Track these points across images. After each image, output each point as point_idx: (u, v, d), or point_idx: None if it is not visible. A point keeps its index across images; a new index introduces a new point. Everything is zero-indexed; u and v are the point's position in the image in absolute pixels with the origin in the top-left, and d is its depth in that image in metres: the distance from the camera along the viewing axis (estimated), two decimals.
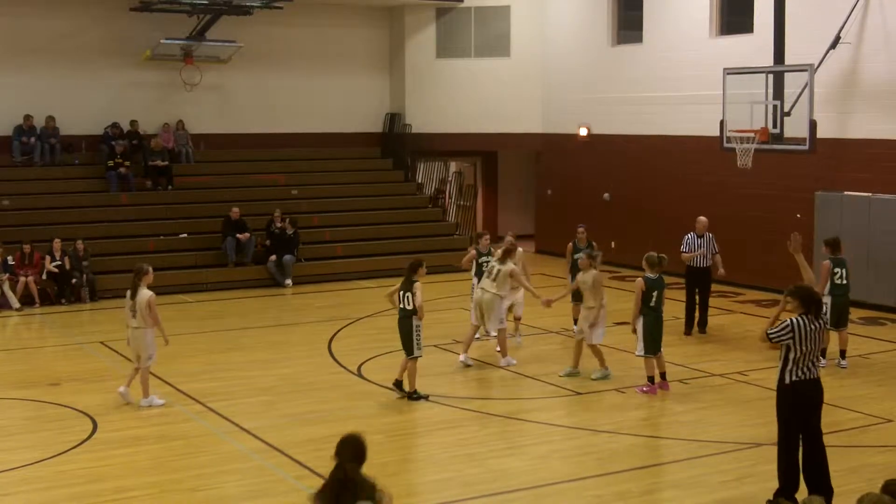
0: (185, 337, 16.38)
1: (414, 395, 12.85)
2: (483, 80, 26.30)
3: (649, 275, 13.04)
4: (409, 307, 12.75)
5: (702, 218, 16.57)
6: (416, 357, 12.85)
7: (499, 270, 14.33)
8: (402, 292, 12.86)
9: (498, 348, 14.92)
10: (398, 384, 12.92)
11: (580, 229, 16.62)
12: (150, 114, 24.25)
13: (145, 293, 12.48)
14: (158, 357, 13.32)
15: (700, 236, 16.40)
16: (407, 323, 12.83)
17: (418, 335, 12.83)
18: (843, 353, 14.27)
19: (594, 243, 16.45)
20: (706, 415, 12.36)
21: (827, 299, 13.66)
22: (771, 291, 19.47)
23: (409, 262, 13.12)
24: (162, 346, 12.77)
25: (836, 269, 13.93)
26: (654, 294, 12.97)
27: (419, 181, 27.60)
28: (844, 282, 14.00)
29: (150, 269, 12.74)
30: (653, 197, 22.99)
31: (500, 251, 14.78)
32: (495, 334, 14.81)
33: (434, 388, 13.38)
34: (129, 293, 12.58)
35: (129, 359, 13.23)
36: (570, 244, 16.56)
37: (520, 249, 15.28)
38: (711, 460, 10.63)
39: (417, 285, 12.75)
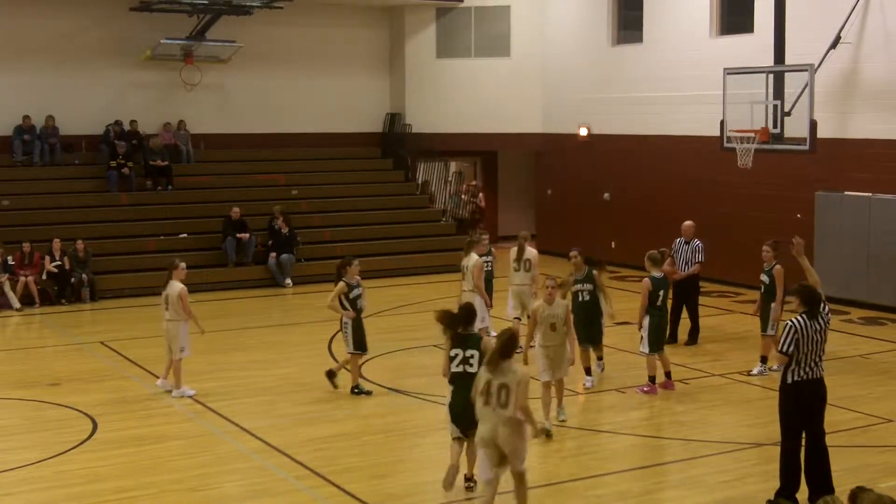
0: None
1: (355, 390, 13.05)
2: (483, 80, 26.30)
3: (654, 274, 13.05)
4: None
5: (687, 222, 15.94)
6: (353, 353, 12.96)
7: (466, 267, 14.37)
8: None
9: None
10: (357, 387, 13.08)
11: (572, 253, 13.60)
12: (150, 114, 24.24)
13: (176, 286, 12.93)
14: (160, 355, 13.47)
15: (687, 242, 15.68)
16: (340, 321, 13.08)
17: (346, 333, 12.93)
18: (763, 359, 13.93)
19: (595, 266, 13.66)
20: (706, 415, 12.36)
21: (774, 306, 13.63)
22: None
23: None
24: (198, 338, 13.29)
25: None
26: (661, 293, 13.00)
27: (419, 183, 27.54)
28: None
29: (182, 263, 13.26)
30: (653, 197, 22.99)
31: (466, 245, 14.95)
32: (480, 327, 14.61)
33: (434, 388, 13.37)
34: (164, 287, 13.10)
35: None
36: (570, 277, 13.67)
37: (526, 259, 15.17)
38: (711, 460, 10.63)
39: (339, 286, 12.89)
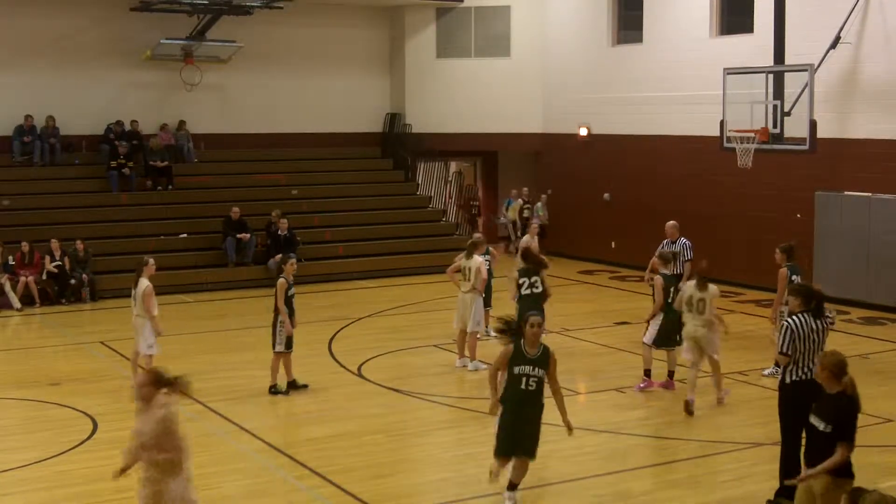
0: (185, 337, 16.37)
1: (272, 390, 13.10)
2: (483, 80, 26.29)
3: (665, 271, 13.13)
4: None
5: (669, 223, 15.69)
6: (277, 352, 13.01)
7: (469, 269, 14.33)
8: None
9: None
10: (290, 385, 13.14)
11: (535, 320, 9.08)
12: (150, 114, 24.24)
13: (143, 283, 12.95)
14: (160, 356, 13.50)
15: (673, 242, 15.45)
16: (273, 319, 13.06)
17: (280, 332, 12.92)
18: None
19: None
20: (706, 415, 12.36)
21: (784, 308, 13.55)
22: (771, 291, 19.38)
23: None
24: (198, 338, 13.25)
25: (794, 277, 13.72)
26: (672, 290, 13.08)
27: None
28: None
29: (152, 260, 13.26)
30: (653, 197, 22.99)
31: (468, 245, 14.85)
32: (474, 329, 14.40)
33: (434, 388, 13.40)
34: (133, 284, 13.16)
35: (127, 352, 13.29)
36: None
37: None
38: (711, 460, 10.63)
39: (279, 282, 12.90)
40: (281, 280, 12.85)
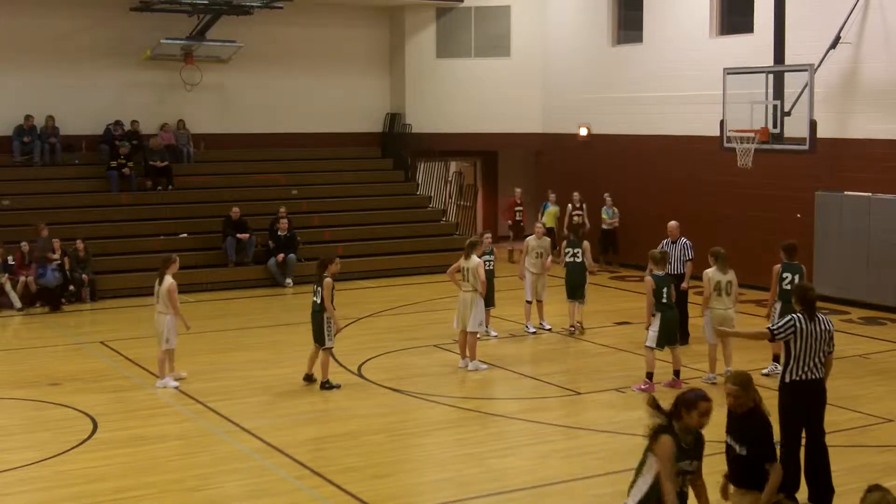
0: (185, 337, 16.31)
1: (326, 385, 13.25)
2: (483, 80, 26.29)
3: (656, 272, 13.12)
4: (319, 301, 13.20)
5: (672, 223, 15.74)
6: (328, 348, 13.28)
7: (468, 269, 14.28)
8: (314, 286, 13.37)
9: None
10: (308, 377, 13.40)
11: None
12: (150, 114, 24.24)
13: (168, 280, 13.34)
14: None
15: (674, 242, 15.55)
16: (318, 317, 13.28)
17: (329, 327, 13.21)
18: (776, 357, 13.77)
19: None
20: None
21: (777, 304, 13.53)
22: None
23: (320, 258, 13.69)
24: (182, 331, 13.67)
25: (786, 275, 13.51)
26: (665, 290, 13.05)
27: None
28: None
29: (176, 258, 13.80)
30: (653, 197, 22.99)
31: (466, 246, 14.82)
32: (475, 329, 14.37)
33: (434, 388, 13.39)
34: (157, 281, 13.48)
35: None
36: None
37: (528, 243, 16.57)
38: (712, 460, 10.51)
39: (327, 281, 13.12)
40: (328, 279, 13.11)
